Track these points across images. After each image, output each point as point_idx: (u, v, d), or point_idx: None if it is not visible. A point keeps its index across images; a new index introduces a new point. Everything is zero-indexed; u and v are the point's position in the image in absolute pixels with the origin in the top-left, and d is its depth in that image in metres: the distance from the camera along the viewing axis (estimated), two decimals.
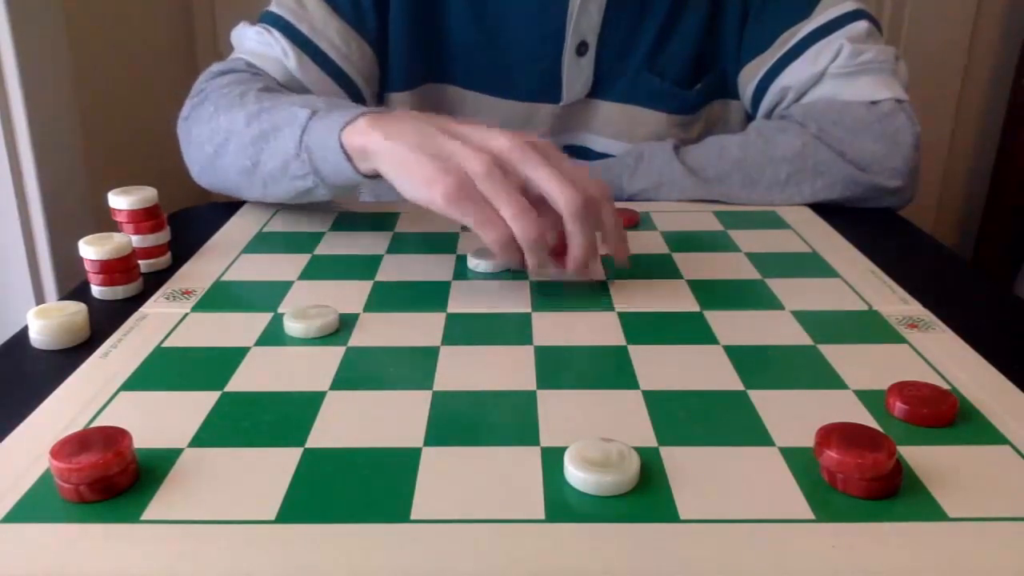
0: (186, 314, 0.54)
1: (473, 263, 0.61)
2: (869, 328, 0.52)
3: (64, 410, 0.43)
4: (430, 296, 0.57)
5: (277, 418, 0.42)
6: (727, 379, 0.46)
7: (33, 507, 0.36)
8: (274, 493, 0.36)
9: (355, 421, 0.42)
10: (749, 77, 0.83)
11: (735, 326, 0.52)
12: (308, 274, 0.61)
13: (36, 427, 0.42)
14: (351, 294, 0.57)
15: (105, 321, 0.53)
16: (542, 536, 0.34)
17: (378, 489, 0.37)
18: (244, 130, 0.67)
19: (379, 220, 0.73)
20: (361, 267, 0.62)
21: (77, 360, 0.48)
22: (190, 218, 0.75)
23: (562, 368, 0.47)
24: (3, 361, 0.50)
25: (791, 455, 0.39)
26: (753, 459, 0.39)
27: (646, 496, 0.36)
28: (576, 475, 0.36)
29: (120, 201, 0.61)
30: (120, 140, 1.11)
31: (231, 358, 0.48)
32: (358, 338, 0.51)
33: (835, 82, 0.78)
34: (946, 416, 0.41)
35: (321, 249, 0.66)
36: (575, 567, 0.32)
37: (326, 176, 0.62)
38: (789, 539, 0.33)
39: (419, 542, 0.33)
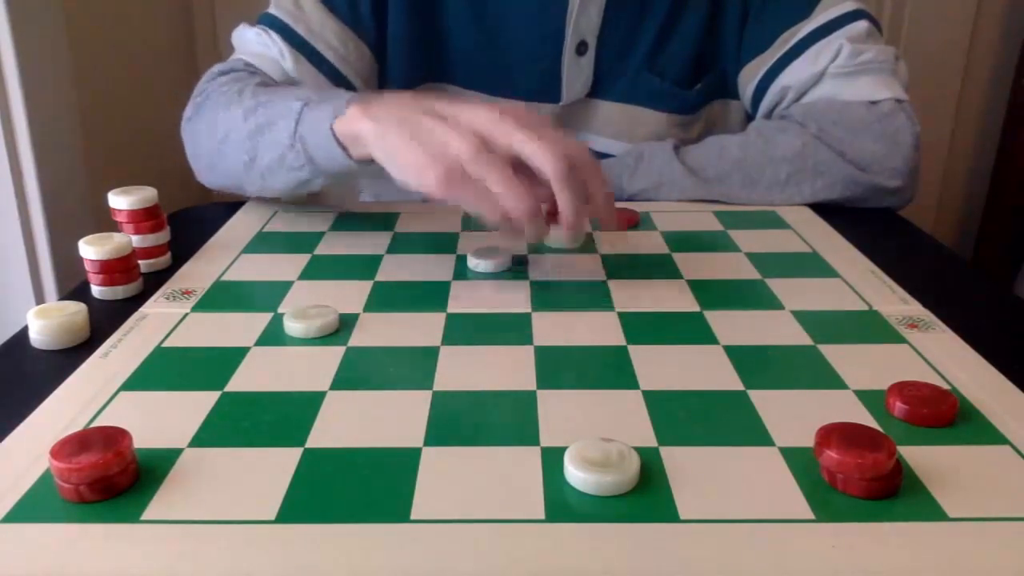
0: (186, 314, 0.54)
1: (473, 263, 0.61)
2: (869, 328, 0.52)
3: (64, 410, 0.43)
4: (430, 296, 0.57)
5: (277, 418, 0.42)
6: (727, 379, 0.46)
7: (33, 507, 0.36)
8: (274, 493, 0.36)
9: (355, 421, 0.42)
10: (749, 77, 0.83)
11: (735, 326, 0.52)
12: (308, 274, 0.61)
13: (36, 427, 0.42)
14: (351, 294, 0.57)
15: (105, 321, 0.53)
16: (542, 536, 0.34)
17: (378, 489, 0.37)
18: (241, 125, 0.67)
19: (379, 220, 0.73)
20: (361, 267, 0.62)
21: (77, 360, 0.48)
22: (190, 218, 0.75)
23: (562, 368, 0.47)
24: (3, 361, 0.50)
25: (791, 455, 0.39)
26: (753, 459, 0.39)
27: (646, 496, 0.36)
28: (576, 475, 0.36)
29: (120, 201, 0.61)
30: (120, 140, 1.11)
31: (231, 358, 0.48)
32: (358, 338, 0.51)
33: (835, 82, 0.78)
34: (946, 416, 0.41)
35: (321, 249, 0.66)
36: (575, 567, 0.32)
37: (321, 165, 0.63)
38: (789, 539, 0.33)
39: (419, 542, 0.33)
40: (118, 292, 0.57)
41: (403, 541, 0.33)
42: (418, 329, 0.52)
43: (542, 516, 0.35)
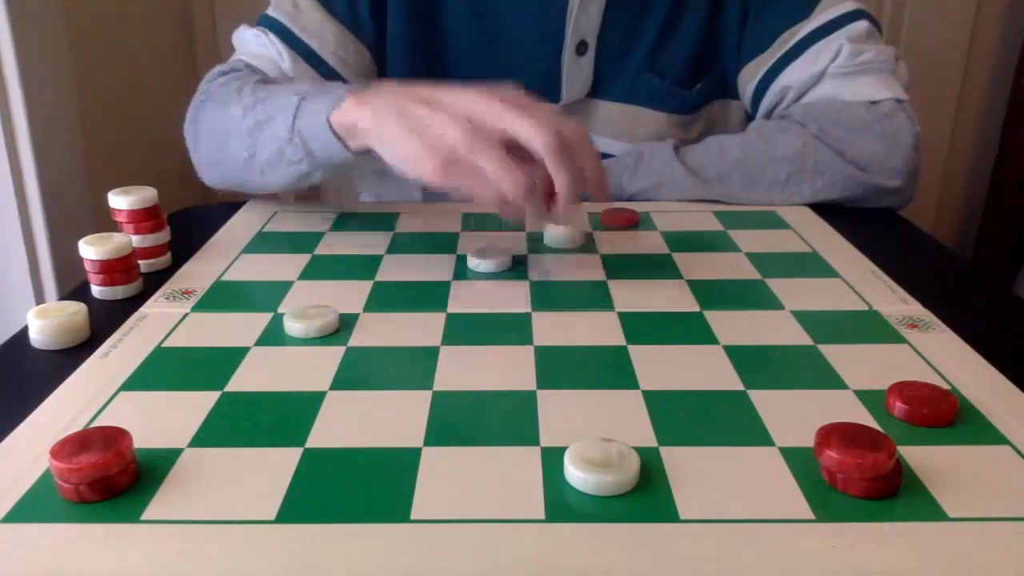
0: (186, 314, 0.54)
1: (473, 263, 0.61)
2: (869, 328, 0.52)
3: (64, 410, 0.43)
4: (430, 296, 0.57)
5: (277, 418, 0.42)
6: (727, 379, 0.46)
7: (33, 507, 0.36)
8: (274, 493, 0.36)
9: (355, 421, 0.42)
10: (749, 77, 0.83)
11: (735, 326, 0.52)
12: (308, 274, 0.61)
13: (36, 427, 0.42)
14: (351, 294, 0.57)
15: (105, 321, 0.53)
16: (542, 536, 0.34)
17: (378, 489, 0.37)
18: (241, 122, 0.67)
19: (379, 220, 0.73)
20: (361, 267, 0.62)
21: (77, 360, 0.48)
22: (190, 218, 0.75)
23: (562, 368, 0.47)
24: (3, 361, 0.50)
25: (791, 455, 0.39)
26: (753, 459, 0.39)
27: (646, 496, 0.36)
28: (576, 475, 0.36)
29: (120, 201, 0.61)
30: (120, 140, 1.11)
31: (231, 358, 0.48)
32: (358, 338, 0.51)
33: (835, 82, 0.78)
34: (946, 416, 0.41)
35: (321, 249, 0.66)
36: (575, 567, 0.32)
37: (320, 157, 0.63)
38: (789, 539, 0.33)
39: (419, 542, 0.33)
40: (118, 292, 0.57)
41: (403, 541, 0.33)
42: (418, 329, 0.52)
43: (542, 516, 0.35)
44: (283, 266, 0.63)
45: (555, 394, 0.44)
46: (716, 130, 0.86)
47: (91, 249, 0.56)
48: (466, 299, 0.57)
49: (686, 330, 0.52)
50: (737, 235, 0.69)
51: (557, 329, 0.52)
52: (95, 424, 0.42)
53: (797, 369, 0.47)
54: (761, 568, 0.32)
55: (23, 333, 0.52)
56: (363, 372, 0.47)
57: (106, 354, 0.49)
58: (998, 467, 0.38)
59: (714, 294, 0.57)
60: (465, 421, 0.42)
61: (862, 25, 0.78)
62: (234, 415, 0.43)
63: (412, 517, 0.35)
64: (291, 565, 0.32)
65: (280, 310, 0.55)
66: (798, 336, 0.51)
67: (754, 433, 0.41)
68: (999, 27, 1.44)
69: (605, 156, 0.83)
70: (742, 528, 0.34)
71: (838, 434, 0.37)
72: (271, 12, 0.79)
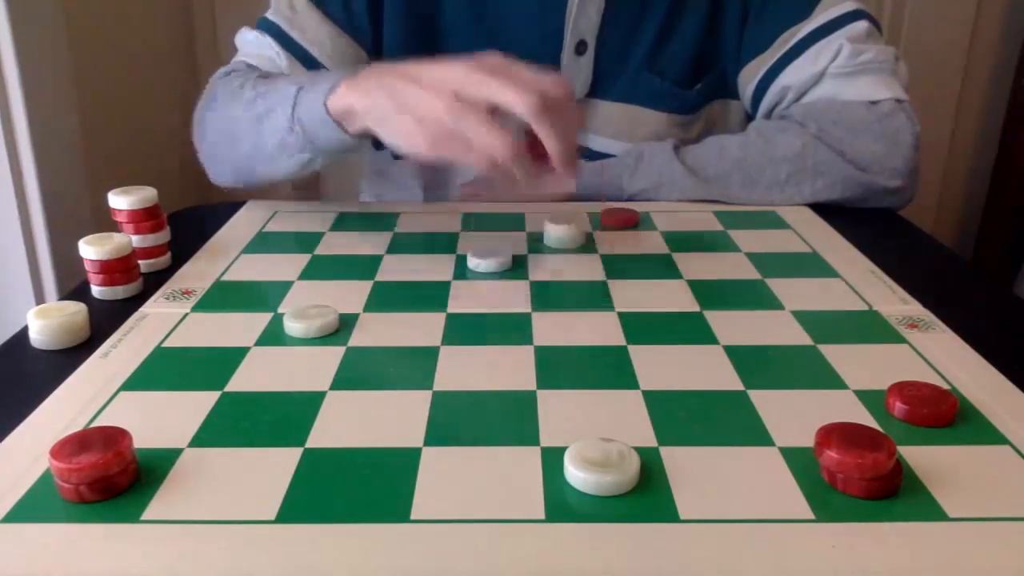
0: (186, 314, 0.54)
1: (473, 263, 0.61)
2: (869, 328, 0.52)
3: (64, 410, 0.43)
4: (430, 296, 0.57)
5: (277, 418, 0.42)
6: (727, 379, 0.46)
7: (33, 507, 0.36)
8: (274, 493, 0.36)
9: (355, 421, 0.42)
10: (749, 77, 0.83)
11: (735, 326, 0.52)
12: (308, 274, 0.61)
13: (36, 427, 0.42)
14: (351, 294, 0.57)
15: (105, 321, 0.53)
16: (542, 536, 0.34)
17: (378, 489, 0.37)
18: (243, 118, 0.70)
19: (379, 220, 0.73)
20: (361, 267, 0.62)
21: (77, 360, 0.48)
22: (190, 218, 0.75)
23: (562, 368, 0.47)
24: (3, 361, 0.50)
25: (791, 455, 0.39)
26: (753, 459, 0.39)
27: (646, 496, 0.36)
28: (576, 475, 0.36)
29: (120, 201, 0.61)
30: (120, 140, 1.11)
31: (231, 358, 0.48)
32: (358, 338, 0.51)
33: (835, 82, 0.78)
34: (946, 416, 0.41)
35: (321, 249, 0.66)
36: (575, 567, 0.32)
37: (320, 144, 0.65)
38: (789, 539, 0.33)
39: (419, 542, 0.33)
40: (118, 292, 0.57)
41: (403, 541, 0.33)
42: (418, 329, 0.52)
43: (542, 516, 0.35)
44: (283, 266, 0.63)
45: (555, 394, 0.44)
46: (716, 130, 0.86)
47: (91, 249, 0.56)
48: (466, 299, 0.57)
49: (686, 330, 0.52)
50: (737, 235, 0.69)
51: (557, 329, 0.52)
52: (95, 424, 0.42)
53: (797, 369, 0.47)
54: (761, 568, 0.32)
55: (23, 333, 0.52)
56: (363, 372, 0.47)
57: (106, 354, 0.49)
58: (998, 467, 0.38)
59: (714, 294, 0.57)
60: (465, 421, 0.42)
61: (862, 25, 0.78)
62: (234, 415, 0.43)
63: (412, 517, 0.35)
64: (291, 565, 0.32)
65: (280, 310, 0.55)
66: (798, 336, 0.51)
67: (754, 433, 0.41)
68: (999, 27, 1.44)
69: (605, 156, 0.83)
70: (742, 528, 0.34)
71: (838, 434, 0.37)
72: (269, 15, 0.80)
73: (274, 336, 0.51)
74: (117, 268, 0.57)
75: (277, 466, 0.38)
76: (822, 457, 0.37)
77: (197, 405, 0.43)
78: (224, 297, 0.58)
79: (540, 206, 0.76)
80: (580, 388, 0.45)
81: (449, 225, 0.71)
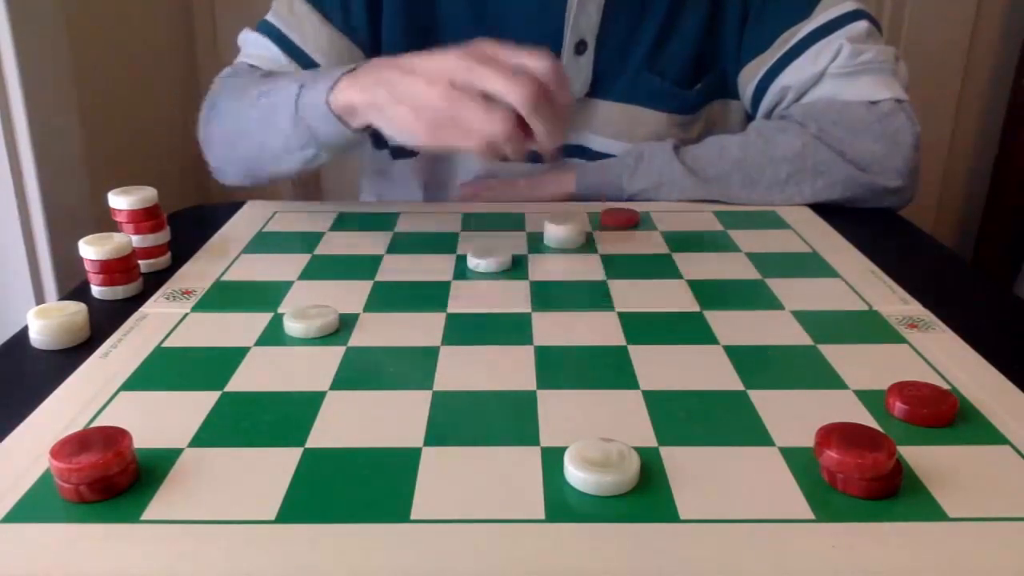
0: (186, 314, 0.54)
1: (473, 263, 0.61)
2: (869, 328, 0.52)
3: (64, 410, 0.43)
4: (430, 296, 0.57)
5: (277, 418, 0.42)
6: (727, 379, 0.46)
7: (33, 507, 0.36)
8: (274, 493, 0.36)
9: (355, 421, 0.42)
10: (749, 77, 0.83)
11: (735, 326, 0.52)
12: (308, 274, 0.61)
13: (36, 427, 0.42)
14: (351, 294, 0.57)
15: (105, 321, 0.53)
16: (542, 536, 0.34)
17: (378, 489, 0.37)
18: (248, 116, 0.72)
19: (379, 220, 0.73)
20: (361, 267, 0.62)
21: (77, 360, 0.48)
22: (190, 218, 0.75)
23: (562, 368, 0.47)
24: (3, 361, 0.50)
25: (791, 455, 0.39)
26: (753, 459, 0.39)
27: (646, 496, 0.36)
28: (576, 475, 0.36)
29: (120, 201, 0.61)
30: (120, 140, 1.11)
31: (231, 358, 0.48)
32: (358, 338, 0.51)
33: (835, 82, 0.78)
34: (946, 416, 0.41)
35: (321, 249, 0.66)
36: (575, 567, 0.32)
37: (325, 140, 0.67)
38: (789, 539, 0.33)
39: (419, 542, 0.33)
40: (118, 292, 0.57)
41: (403, 541, 0.33)
42: (418, 329, 0.52)
43: (542, 516, 0.35)
44: (283, 266, 0.63)
45: (555, 394, 0.44)
46: (716, 130, 0.86)
47: (91, 249, 0.56)
48: (466, 299, 0.57)
49: (686, 330, 0.52)
50: (737, 235, 0.69)
51: (557, 329, 0.52)
52: (95, 424, 0.42)
53: (797, 369, 0.47)
54: (761, 568, 0.32)
55: (23, 333, 0.52)
56: (363, 372, 0.47)
57: (106, 354, 0.49)
58: (998, 467, 0.38)
59: (714, 294, 0.57)
60: (465, 421, 0.42)
61: (862, 25, 0.78)
62: (234, 415, 0.43)
63: (412, 517, 0.35)
64: (291, 565, 0.32)
65: (280, 310, 0.55)
66: (798, 336, 0.51)
67: (754, 433, 0.41)
68: (999, 27, 1.44)
69: (605, 156, 0.83)
70: (742, 528, 0.34)
71: (838, 434, 0.37)
72: (270, 17, 0.82)
73: (274, 336, 0.51)
74: (117, 268, 0.57)
75: (277, 466, 0.38)
76: (822, 457, 0.37)
77: (197, 405, 0.43)
78: (224, 297, 0.58)
79: (540, 206, 0.77)
80: (580, 388, 0.45)
81: (449, 225, 0.71)
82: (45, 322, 0.50)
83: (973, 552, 0.33)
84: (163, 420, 0.42)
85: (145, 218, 0.62)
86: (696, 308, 0.55)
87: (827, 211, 0.74)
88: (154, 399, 0.44)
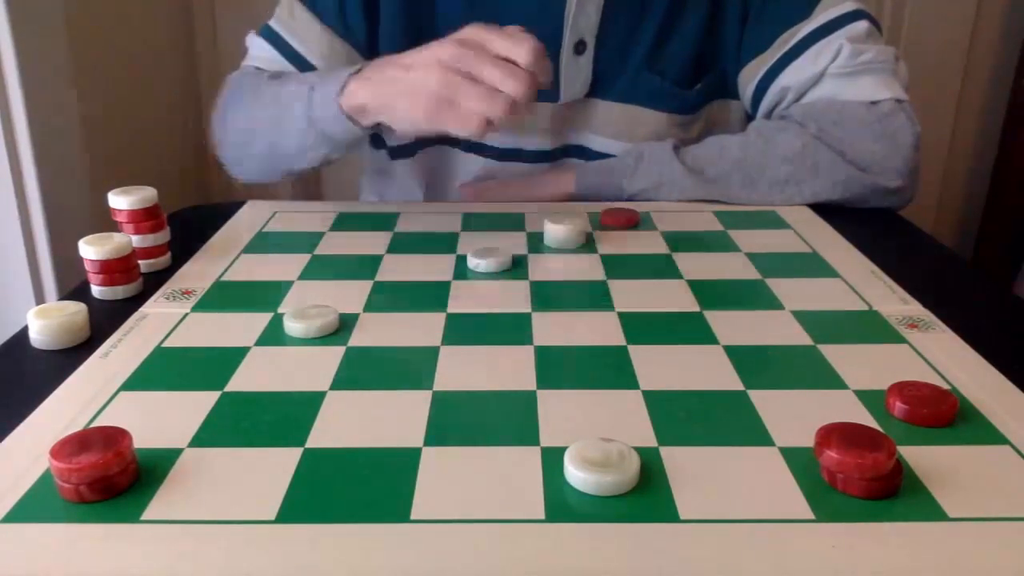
0: (186, 314, 0.54)
1: (473, 263, 0.61)
2: (869, 328, 0.52)
3: (64, 410, 0.43)
4: (430, 296, 0.57)
5: (277, 418, 0.42)
6: (727, 379, 0.46)
7: (33, 507, 0.36)
8: (274, 493, 0.36)
9: (355, 421, 0.42)
10: (749, 77, 0.83)
11: (735, 326, 0.52)
12: (308, 274, 0.61)
13: (36, 427, 0.42)
14: (351, 294, 0.57)
15: (105, 321, 0.53)
16: (542, 536, 0.34)
17: (378, 489, 0.37)
18: (261, 117, 0.75)
19: (379, 220, 0.73)
20: (361, 267, 0.62)
21: (77, 360, 0.48)
22: (190, 218, 0.75)
23: (562, 368, 0.47)
24: (3, 361, 0.50)
25: (791, 455, 0.39)
26: (753, 459, 0.39)
27: (646, 496, 0.36)
28: (576, 475, 0.36)
29: (120, 201, 0.61)
30: (120, 140, 1.11)
31: (231, 358, 0.48)
32: (358, 338, 0.51)
33: (835, 82, 0.78)
34: (946, 416, 0.41)
35: (321, 249, 0.66)
36: (575, 567, 0.32)
37: (337, 139, 0.70)
38: (789, 539, 0.33)
39: (419, 542, 0.33)
40: (118, 292, 0.57)
41: (403, 541, 0.33)
42: (418, 329, 0.52)
43: (542, 516, 0.35)
44: (283, 266, 0.63)
45: (555, 394, 0.44)
46: (716, 130, 0.86)
47: (91, 249, 0.56)
48: (466, 299, 0.57)
49: (686, 330, 0.52)
50: (737, 235, 0.69)
51: (557, 329, 0.52)
52: (95, 424, 0.42)
53: (797, 369, 0.47)
54: (761, 568, 0.32)
55: (23, 333, 0.51)
56: (363, 372, 0.47)
57: (106, 354, 0.49)
58: (998, 467, 0.38)
59: (714, 294, 0.57)
60: (465, 421, 0.42)
61: (862, 25, 0.78)
62: (234, 415, 0.43)
63: (412, 517, 0.35)
64: (291, 565, 0.32)
65: (280, 310, 0.55)
66: (798, 336, 0.51)
67: (754, 433, 0.41)
68: (999, 27, 1.44)
69: (605, 156, 0.83)
70: (742, 528, 0.34)
71: (838, 434, 0.37)
72: (272, 22, 0.84)
73: (274, 336, 0.51)
74: (117, 268, 0.57)
75: (277, 466, 0.38)
76: (822, 457, 0.37)
77: (197, 405, 0.43)
78: (224, 297, 0.58)
79: (540, 206, 0.77)
80: (580, 388, 0.45)
81: (449, 225, 0.71)
82: (45, 322, 0.50)
83: (973, 552, 0.33)
84: (163, 420, 0.42)
85: (145, 218, 0.62)
86: (696, 308, 0.55)
87: (827, 211, 0.74)
88: (154, 399, 0.44)
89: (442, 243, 0.67)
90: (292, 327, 0.51)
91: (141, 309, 0.55)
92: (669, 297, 0.57)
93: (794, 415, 0.42)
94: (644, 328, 0.52)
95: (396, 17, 0.82)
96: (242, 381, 0.46)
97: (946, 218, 1.58)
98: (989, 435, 0.40)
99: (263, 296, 0.57)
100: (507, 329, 0.52)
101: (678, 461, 0.38)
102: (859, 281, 0.59)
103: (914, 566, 0.32)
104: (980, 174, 1.54)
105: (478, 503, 0.36)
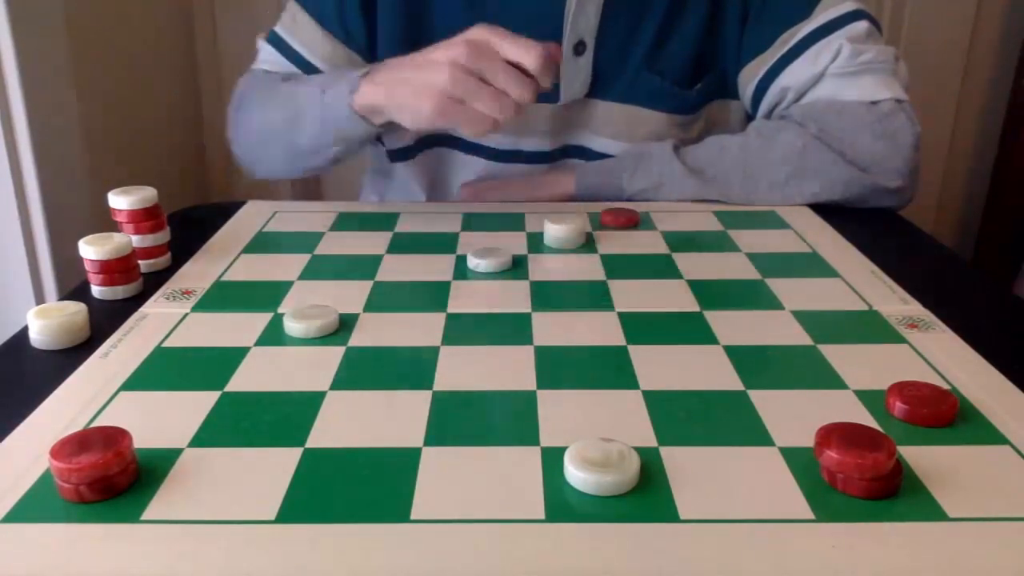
0: (186, 314, 0.54)
1: (473, 263, 0.61)
2: (869, 328, 0.52)
3: (64, 410, 0.43)
4: (430, 296, 0.57)
5: (277, 418, 0.42)
6: (727, 379, 0.46)
7: (33, 507, 0.36)
8: (274, 493, 0.36)
9: (355, 421, 0.42)
10: (749, 77, 0.83)
11: (735, 326, 0.52)
12: (308, 274, 0.61)
13: (36, 427, 0.42)
14: (351, 294, 0.57)
15: (105, 321, 0.53)
16: (542, 536, 0.34)
17: (378, 489, 0.37)
18: (275, 119, 0.77)
19: (379, 220, 0.73)
20: (361, 267, 0.62)
21: (77, 360, 0.48)
22: (190, 218, 0.75)
23: (562, 368, 0.47)
24: (3, 361, 0.50)
25: (791, 455, 0.39)
26: (753, 459, 0.39)
27: (646, 496, 0.36)
28: (576, 475, 0.36)
29: (120, 201, 0.61)
30: (120, 140, 1.11)
31: (231, 358, 0.48)
32: (358, 338, 0.51)
33: (835, 82, 0.78)
34: (946, 416, 0.41)
35: (321, 249, 0.66)
36: (575, 567, 0.32)
37: (351, 138, 0.72)
38: (789, 539, 0.33)
39: (419, 542, 0.33)
40: (118, 292, 0.57)
41: (403, 541, 0.33)
42: (418, 329, 0.52)
43: (542, 516, 0.35)
44: (283, 266, 0.63)
45: (555, 394, 0.44)
46: (716, 130, 0.86)
47: (91, 249, 0.56)
48: (466, 299, 0.57)
49: (686, 330, 0.52)
50: (737, 235, 0.69)
51: (557, 329, 0.52)
52: (95, 424, 0.42)
53: (797, 369, 0.47)
54: (761, 568, 0.32)
55: (23, 333, 0.52)
56: (363, 372, 0.47)
57: (106, 354, 0.49)
58: (998, 467, 0.38)
59: (714, 294, 0.57)
60: (465, 421, 0.42)
61: (862, 25, 0.78)
62: (234, 415, 0.43)
63: (412, 517, 0.35)
64: (291, 565, 0.32)
65: (280, 310, 0.55)
66: (798, 336, 0.51)
67: (754, 433, 0.41)
68: (999, 27, 1.44)
69: (605, 156, 0.83)
70: (742, 528, 0.34)
71: (838, 434, 0.37)
72: (277, 28, 0.86)
73: (274, 336, 0.51)
74: (117, 268, 0.57)
75: (277, 466, 0.38)
76: (822, 457, 0.37)
77: (197, 405, 0.43)
78: (224, 297, 0.58)
79: (540, 206, 0.77)
80: (580, 388, 0.45)
81: (449, 225, 0.71)
82: (45, 322, 0.50)
83: (973, 552, 0.33)
84: (163, 420, 0.42)
85: (145, 218, 0.62)
86: (696, 308, 0.55)
87: (827, 211, 0.74)
88: (154, 399, 0.44)
89: (442, 243, 0.67)
90: (292, 327, 0.51)
91: (141, 309, 0.55)
92: (669, 297, 0.57)
93: (794, 415, 0.42)
94: (644, 328, 0.52)
95: (395, 18, 0.82)
96: (242, 381, 0.46)
97: (946, 218, 1.58)
98: (989, 435, 0.40)
99: (263, 296, 0.57)
100: (507, 329, 0.52)
101: (678, 461, 0.38)
102: (859, 281, 0.59)
103: (914, 566, 0.32)
104: (980, 174, 1.54)
105: (478, 503, 0.36)
